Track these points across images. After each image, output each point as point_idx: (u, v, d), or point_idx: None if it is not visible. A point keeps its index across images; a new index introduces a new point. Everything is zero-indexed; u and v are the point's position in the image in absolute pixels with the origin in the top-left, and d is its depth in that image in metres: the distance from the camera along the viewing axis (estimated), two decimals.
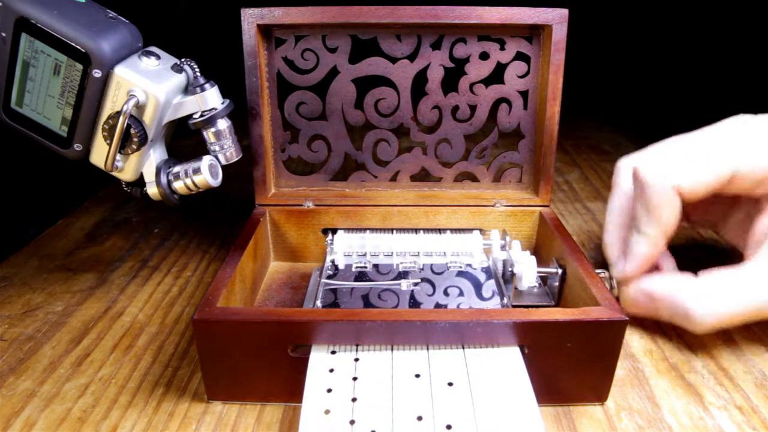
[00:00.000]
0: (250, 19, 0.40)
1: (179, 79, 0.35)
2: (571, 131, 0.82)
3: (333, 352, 0.30)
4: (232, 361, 0.30)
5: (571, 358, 0.30)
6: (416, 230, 0.44)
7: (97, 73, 0.33)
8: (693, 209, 0.40)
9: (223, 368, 0.30)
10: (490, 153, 0.45)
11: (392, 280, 0.38)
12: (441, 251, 0.41)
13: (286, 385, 0.30)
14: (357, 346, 0.30)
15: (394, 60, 0.42)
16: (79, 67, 0.33)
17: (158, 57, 0.35)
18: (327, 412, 0.27)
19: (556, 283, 0.38)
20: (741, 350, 0.36)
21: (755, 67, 0.75)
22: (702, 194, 0.33)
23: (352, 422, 0.26)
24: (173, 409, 0.31)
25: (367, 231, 0.44)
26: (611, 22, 0.98)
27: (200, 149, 0.37)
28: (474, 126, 0.44)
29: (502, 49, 0.42)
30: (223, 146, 0.37)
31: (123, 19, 0.35)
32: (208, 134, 0.37)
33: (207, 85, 0.36)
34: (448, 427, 0.26)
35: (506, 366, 0.29)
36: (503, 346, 0.30)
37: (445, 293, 0.36)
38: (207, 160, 0.37)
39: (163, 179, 0.37)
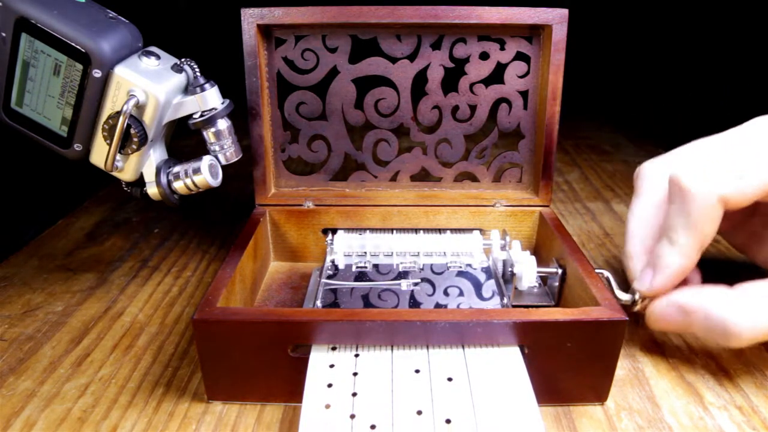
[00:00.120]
0: (250, 19, 0.40)
1: (179, 79, 0.35)
2: (571, 131, 0.82)
3: (333, 348, 0.30)
4: (232, 361, 0.30)
5: (571, 358, 0.30)
6: (416, 230, 0.44)
7: (97, 73, 0.33)
8: None
9: (223, 368, 0.30)
10: (490, 153, 0.45)
11: (392, 280, 0.38)
12: (441, 251, 0.41)
13: (286, 385, 0.30)
14: (357, 346, 0.30)
15: (394, 60, 0.42)
16: (79, 67, 0.33)
17: (158, 57, 0.35)
18: (327, 406, 0.27)
19: (556, 283, 0.38)
20: (741, 350, 0.36)
21: (755, 67, 0.75)
22: (746, 204, 0.31)
23: (352, 416, 0.27)
24: (173, 409, 0.31)
25: (367, 231, 0.44)
26: (611, 22, 0.98)
27: (200, 149, 0.37)
28: (474, 126, 0.44)
29: (502, 49, 0.42)
30: (223, 146, 0.37)
31: (123, 19, 0.35)
32: (208, 134, 0.37)
33: (207, 85, 0.36)
34: (448, 421, 0.26)
35: (506, 366, 0.29)
36: (503, 346, 0.30)
37: (445, 293, 0.36)
38: (207, 160, 0.37)
39: (163, 179, 0.37)
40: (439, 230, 0.44)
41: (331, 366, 0.29)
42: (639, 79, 1.00)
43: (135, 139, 0.34)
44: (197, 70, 0.36)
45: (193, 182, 0.37)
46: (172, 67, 0.35)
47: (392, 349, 0.30)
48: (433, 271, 0.39)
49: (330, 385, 0.28)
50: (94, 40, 0.32)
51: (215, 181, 0.37)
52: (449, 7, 0.40)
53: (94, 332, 0.37)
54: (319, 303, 0.35)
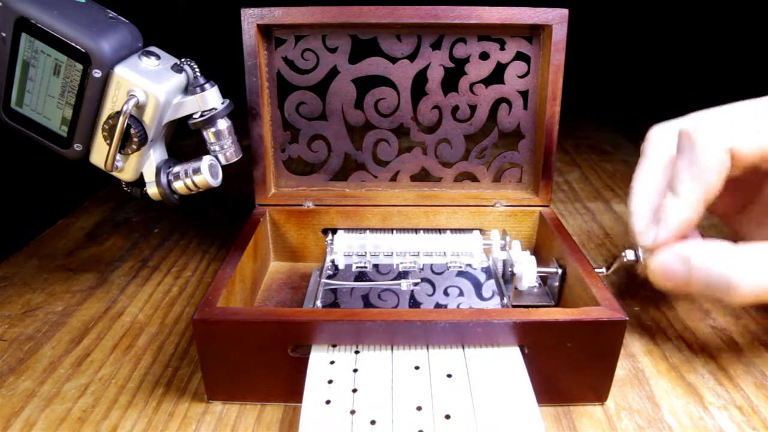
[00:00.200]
0: (250, 19, 0.40)
1: (179, 79, 0.35)
2: (571, 131, 0.82)
3: (333, 345, 0.30)
4: (232, 361, 0.30)
5: (571, 358, 0.30)
6: (416, 230, 0.44)
7: (97, 73, 0.33)
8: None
9: (223, 368, 0.30)
10: (490, 153, 0.45)
11: (392, 280, 0.38)
12: (441, 251, 0.41)
13: (286, 385, 0.30)
14: (357, 346, 0.31)
15: (394, 60, 0.42)
16: (79, 67, 0.33)
17: (158, 57, 0.35)
18: (328, 402, 0.27)
19: (556, 283, 0.38)
20: (741, 350, 0.36)
21: (755, 67, 0.75)
22: (755, 160, 0.31)
23: (352, 412, 0.27)
24: (173, 409, 0.31)
25: (367, 231, 0.44)
26: (611, 22, 0.98)
27: (200, 149, 0.37)
28: (474, 126, 0.44)
29: (502, 49, 0.42)
30: (223, 146, 0.37)
31: (123, 19, 0.35)
32: (208, 134, 0.37)
33: (207, 85, 0.36)
34: (447, 416, 0.26)
35: (506, 366, 0.29)
36: (503, 346, 0.30)
37: (445, 293, 0.36)
38: (207, 160, 0.37)
39: (163, 179, 0.37)
40: (439, 230, 0.44)
41: (332, 363, 0.29)
42: (639, 79, 1.00)
43: (135, 139, 0.34)
44: (197, 70, 0.36)
45: (193, 182, 0.37)
46: (172, 67, 0.35)
47: (392, 351, 0.30)
48: (433, 271, 0.39)
49: (330, 382, 0.28)
50: (94, 40, 0.32)
51: (215, 181, 0.37)
52: (449, 7, 0.40)
53: (94, 332, 0.37)
54: (319, 303, 0.35)
